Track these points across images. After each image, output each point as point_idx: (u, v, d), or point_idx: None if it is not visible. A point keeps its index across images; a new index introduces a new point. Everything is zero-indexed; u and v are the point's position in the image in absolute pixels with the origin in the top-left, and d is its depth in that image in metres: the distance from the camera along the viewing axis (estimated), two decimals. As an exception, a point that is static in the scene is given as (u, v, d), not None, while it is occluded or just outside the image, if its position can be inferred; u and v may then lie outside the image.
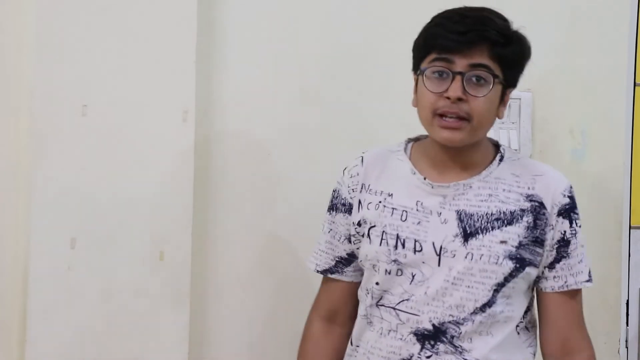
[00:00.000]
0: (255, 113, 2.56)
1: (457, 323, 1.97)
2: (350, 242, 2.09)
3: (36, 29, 2.37)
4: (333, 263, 2.12)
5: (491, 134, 2.58)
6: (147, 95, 2.41)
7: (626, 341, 2.67)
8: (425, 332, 1.97)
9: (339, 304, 2.13)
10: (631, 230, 2.69)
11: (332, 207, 2.11)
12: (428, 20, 2.00)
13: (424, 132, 2.02)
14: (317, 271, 2.14)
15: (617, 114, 2.65)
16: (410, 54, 2.02)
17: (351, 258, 2.10)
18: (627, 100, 2.66)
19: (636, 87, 2.69)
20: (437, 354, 1.97)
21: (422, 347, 1.97)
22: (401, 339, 1.99)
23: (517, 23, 2.61)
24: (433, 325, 1.97)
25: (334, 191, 2.12)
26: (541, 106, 2.62)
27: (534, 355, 2.05)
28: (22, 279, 2.40)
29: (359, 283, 2.11)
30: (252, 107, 2.56)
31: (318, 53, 2.57)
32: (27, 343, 2.36)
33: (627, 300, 2.68)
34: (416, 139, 2.10)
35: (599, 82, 2.64)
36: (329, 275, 2.13)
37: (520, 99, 2.60)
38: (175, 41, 2.42)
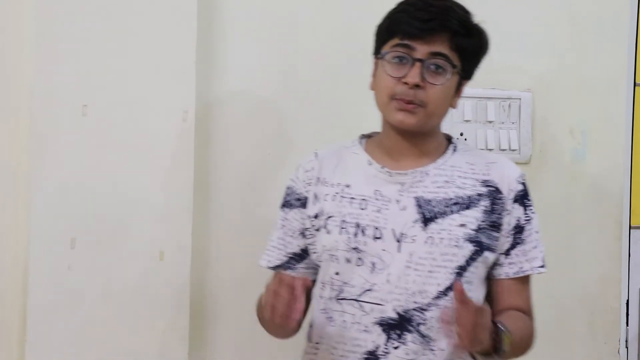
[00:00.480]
0: (255, 113, 2.56)
1: (422, 309, 1.97)
2: (304, 236, 2.09)
3: (36, 29, 2.37)
4: (286, 259, 2.11)
5: (491, 133, 2.59)
6: (147, 95, 2.41)
7: (626, 341, 2.67)
8: (390, 321, 1.97)
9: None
10: (631, 230, 2.70)
11: (286, 204, 2.12)
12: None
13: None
14: (269, 267, 2.13)
15: (617, 114, 2.66)
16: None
17: (304, 254, 2.10)
18: (627, 100, 2.67)
19: (636, 87, 2.69)
20: (404, 344, 1.97)
21: (389, 338, 1.97)
22: (365, 330, 1.98)
23: (518, 23, 2.63)
24: (398, 313, 1.97)
25: (287, 188, 2.13)
26: (541, 106, 2.62)
27: None
28: (22, 279, 2.40)
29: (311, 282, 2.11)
30: (252, 107, 2.56)
31: (318, 53, 2.57)
32: (27, 343, 2.36)
33: (627, 300, 2.68)
34: (369, 136, 2.14)
35: (599, 82, 2.64)
36: (281, 272, 2.11)
37: (520, 99, 2.60)
38: (175, 41, 2.42)
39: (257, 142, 2.55)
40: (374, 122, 2.57)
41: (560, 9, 2.63)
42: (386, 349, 1.97)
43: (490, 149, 2.59)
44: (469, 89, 2.57)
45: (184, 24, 2.41)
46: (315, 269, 2.10)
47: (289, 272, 2.10)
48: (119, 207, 2.39)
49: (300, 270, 2.11)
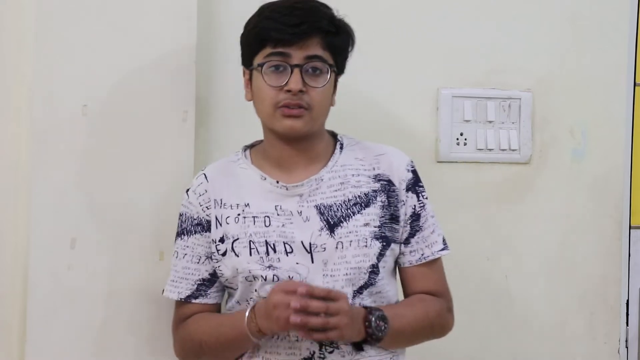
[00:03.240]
0: (255, 113, 2.55)
1: None
2: (211, 260, 2.08)
3: (36, 29, 2.37)
4: (195, 287, 2.10)
5: (491, 133, 2.59)
6: (147, 95, 2.40)
7: (626, 341, 2.67)
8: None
9: None
10: (631, 230, 2.70)
11: (183, 232, 2.11)
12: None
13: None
14: (181, 299, 2.12)
15: (617, 114, 2.66)
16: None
17: (213, 278, 2.10)
18: (627, 100, 2.67)
19: (636, 87, 2.69)
20: (337, 347, 1.98)
21: (322, 343, 1.98)
22: (297, 340, 1.99)
23: (519, 23, 2.63)
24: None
25: (180, 215, 2.13)
26: (541, 106, 2.62)
27: None
28: (22, 279, 2.40)
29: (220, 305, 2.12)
30: (252, 107, 2.55)
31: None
32: (27, 343, 2.36)
33: (627, 300, 2.68)
34: (251, 146, 2.14)
35: (599, 82, 2.64)
36: (193, 301, 2.10)
37: (520, 99, 2.60)
38: (175, 41, 2.41)
39: (257, 142, 2.55)
40: (372, 122, 2.58)
41: (560, 9, 2.63)
42: (322, 354, 1.98)
43: (490, 149, 2.58)
44: (469, 89, 2.59)
45: (184, 24, 2.41)
46: (225, 290, 2.11)
47: (200, 300, 2.10)
48: (119, 207, 2.39)
49: (212, 296, 2.11)
